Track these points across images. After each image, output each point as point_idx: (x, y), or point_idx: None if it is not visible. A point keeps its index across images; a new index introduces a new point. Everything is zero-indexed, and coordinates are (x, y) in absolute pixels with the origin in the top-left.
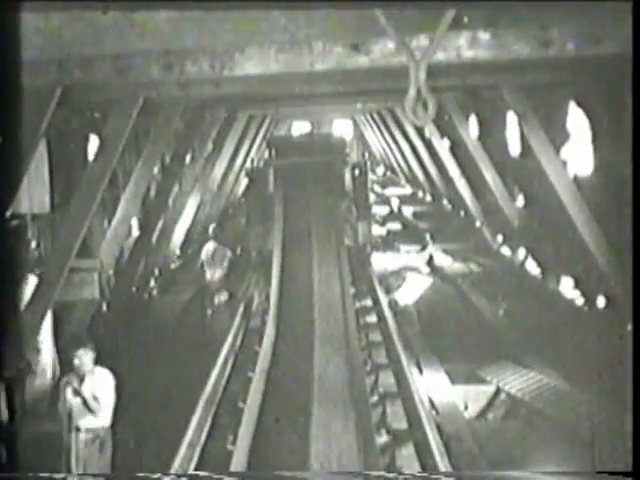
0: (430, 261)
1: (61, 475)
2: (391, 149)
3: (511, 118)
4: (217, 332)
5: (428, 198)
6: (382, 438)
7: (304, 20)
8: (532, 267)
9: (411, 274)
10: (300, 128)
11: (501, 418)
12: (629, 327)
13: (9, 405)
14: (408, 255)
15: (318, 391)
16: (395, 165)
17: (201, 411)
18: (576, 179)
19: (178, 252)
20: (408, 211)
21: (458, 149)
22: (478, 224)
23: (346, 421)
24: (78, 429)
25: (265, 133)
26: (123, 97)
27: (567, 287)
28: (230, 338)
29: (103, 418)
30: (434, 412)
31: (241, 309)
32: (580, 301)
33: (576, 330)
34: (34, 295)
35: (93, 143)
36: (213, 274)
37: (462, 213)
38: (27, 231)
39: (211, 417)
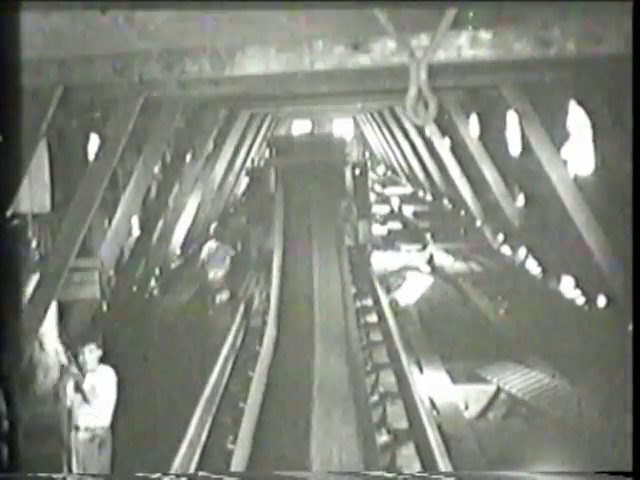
0: (431, 260)
1: (60, 475)
2: (391, 148)
3: (512, 117)
4: (218, 331)
5: (429, 197)
6: (382, 438)
7: (304, 20)
8: (533, 266)
9: (411, 273)
10: (301, 127)
11: (502, 418)
12: (629, 327)
13: (9, 405)
14: (409, 254)
15: (318, 390)
16: (395, 164)
17: (202, 411)
18: (576, 178)
19: (179, 251)
20: (409, 210)
21: (458, 148)
22: (479, 223)
23: (347, 421)
24: (77, 428)
25: (266, 132)
26: (123, 97)
27: (568, 286)
28: (231, 337)
29: (103, 417)
30: (434, 412)
31: (242, 309)
32: (581, 300)
33: (577, 329)
34: (35, 294)
35: (93, 143)
36: (214, 273)
37: (463, 212)
38: (27, 231)
39: (212, 417)
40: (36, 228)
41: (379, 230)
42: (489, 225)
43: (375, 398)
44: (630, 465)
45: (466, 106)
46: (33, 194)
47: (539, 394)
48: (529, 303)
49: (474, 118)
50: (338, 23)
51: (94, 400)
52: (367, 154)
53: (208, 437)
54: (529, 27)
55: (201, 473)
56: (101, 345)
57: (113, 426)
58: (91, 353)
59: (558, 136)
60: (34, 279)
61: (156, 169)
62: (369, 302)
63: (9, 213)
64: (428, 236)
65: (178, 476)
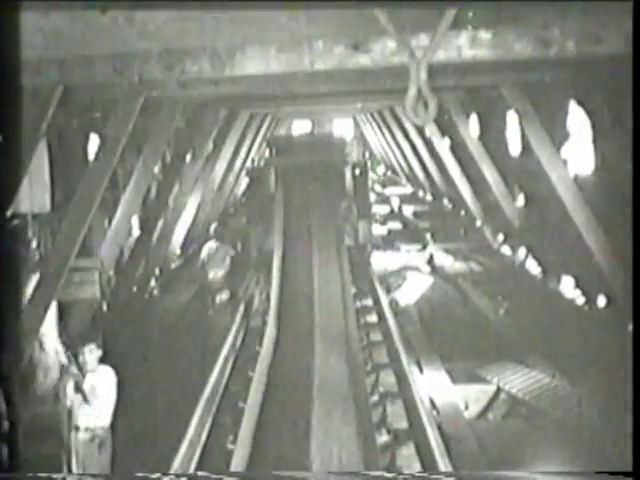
0: (431, 260)
1: (60, 475)
2: (391, 148)
3: (512, 117)
4: (218, 331)
5: (429, 197)
6: (382, 438)
7: (304, 19)
8: (533, 266)
9: (411, 273)
10: (301, 127)
11: (502, 418)
12: (629, 327)
13: (9, 405)
14: (408, 254)
15: (318, 390)
16: (395, 164)
17: (202, 411)
18: (576, 178)
19: (178, 252)
20: (408, 210)
21: (458, 148)
22: (479, 223)
23: (347, 421)
24: (77, 428)
25: (266, 132)
26: (123, 97)
27: (568, 286)
28: (231, 337)
29: (103, 417)
30: (435, 412)
31: (241, 309)
32: (580, 300)
33: (576, 329)
34: (35, 294)
35: (93, 143)
36: (214, 273)
37: (463, 212)
38: (27, 231)
39: (212, 417)
40: (36, 228)
41: (379, 230)
42: (489, 225)
43: (375, 398)
44: (630, 465)
45: (466, 106)
46: (33, 194)
47: (539, 394)
48: (529, 303)
49: (474, 118)
50: (338, 23)
51: (94, 400)
52: (367, 154)
53: (208, 437)
54: (529, 27)
55: (201, 473)
56: (101, 345)
57: (113, 426)
58: (91, 353)
59: (558, 136)
60: (34, 279)
61: (156, 169)
62: (369, 302)
63: (9, 213)
64: (428, 236)
65: (178, 476)
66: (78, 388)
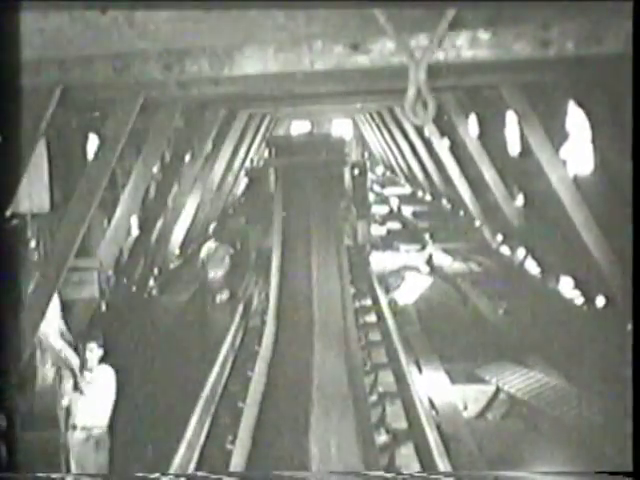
0: (430, 260)
1: (59, 475)
2: (390, 149)
3: (511, 117)
4: (217, 331)
5: (428, 197)
6: (381, 438)
7: (303, 19)
8: (532, 266)
9: (410, 273)
10: (300, 127)
11: (501, 418)
12: (629, 327)
13: (8, 405)
14: (407, 254)
15: (317, 390)
16: (394, 165)
17: (200, 411)
18: (576, 178)
19: (178, 251)
20: (407, 210)
21: (458, 148)
22: (478, 223)
23: (345, 420)
24: (75, 427)
25: (265, 132)
26: (123, 97)
27: (566, 287)
28: (230, 337)
29: (101, 417)
30: (433, 412)
31: (241, 308)
32: (579, 301)
33: (575, 329)
34: (34, 295)
35: (92, 142)
36: (214, 273)
37: (461, 212)
38: (26, 231)
39: (210, 417)
40: (35, 228)
41: (378, 230)
42: (488, 225)
43: (374, 398)
44: (630, 465)
45: (465, 106)
46: (32, 194)
47: (538, 394)
48: (528, 303)
49: (473, 118)
50: (337, 23)
51: (90, 393)
52: (366, 154)
53: (207, 437)
54: (528, 27)
55: (200, 473)
56: (101, 345)
57: (111, 426)
58: (91, 352)
59: (557, 136)
60: (33, 279)
61: (155, 169)
62: (368, 302)
63: (8, 213)
64: (427, 236)
65: (177, 476)
66: (76, 386)
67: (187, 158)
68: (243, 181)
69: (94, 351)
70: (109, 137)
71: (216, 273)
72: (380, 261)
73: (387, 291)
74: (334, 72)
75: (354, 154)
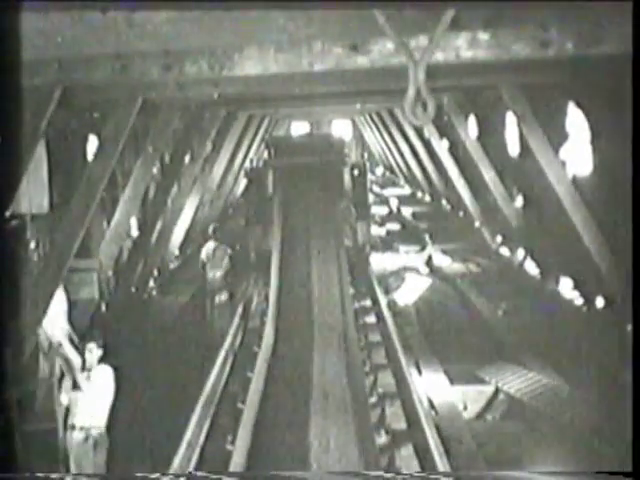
0: (429, 261)
1: (59, 475)
2: (390, 149)
3: (510, 118)
4: (217, 332)
5: (427, 198)
6: (381, 438)
7: (303, 20)
8: (531, 267)
9: (410, 274)
10: (299, 128)
11: (500, 418)
12: (629, 327)
13: (7, 406)
14: (407, 255)
15: (317, 391)
16: (394, 165)
17: (200, 411)
18: (575, 179)
19: (177, 252)
20: (407, 211)
21: (457, 149)
22: (477, 224)
23: (345, 421)
24: (73, 427)
25: (264, 133)
26: (122, 97)
27: (566, 287)
28: (229, 338)
29: (100, 417)
30: (433, 412)
31: (240, 309)
32: (579, 301)
33: (575, 330)
34: (33, 295)
35: (92, 143)
36: (213, 274)
37: (461, 213)
38: (26, 231)
39: (210, 417)
40: (34, 229)
41: (378, 231)
42: (488, 226)
43: (374, 399)
44: (630, 465)
45: (464, 107)
46: (32, 194)
47: (537, 395)
48: (528, 304)
49: (472, 119)
50: (337, 24)
51: (89, 393)
52: (366, 155)
53: (207, 438)
54: (528, 28)
55: (200, 473)
56: (100, 345)
57: (109, 426)
58: (91, 352)
59: (557, 137)
60: (33, 280)
61: (155, 170)
62: (368, 303)
63: (8, 213)
64: (427, 237)
65: (177, 476)
66: (76, 385)
67: (187, 159)
68: (242, 182)
69: (93, 351)
70: (109, 138)
71: (215, 274)
72: (380, 262)
73: (387, 292)
74: (334, 73)
75: (354, 155)
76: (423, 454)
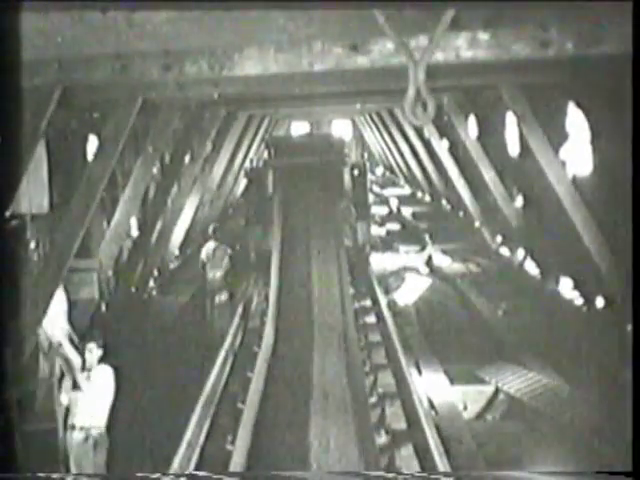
0: (429, 261)
1: (59, 475)
2: (390, 149)
3: (510, 118)
4: (217, 332)
5: (427, 198)
6: (381, 438)
7: (303, 20)
8: (531, 267)
9: (410, 274)
10: (299, 128)
11: (500, 418)
12: (628, 327)
13: (7, 406)
14: (407, 255)
15: (317, 391)
16: (394, 165)
17: (200, 411)
18: (575, 179)
19: (177, 252)
20: (407, 211)
21: (457, 149)
22: (477, 224)
23: (345, 421)
24: (73, 427)
25: (264, 133)
26: (122, 97)
27: (566, 287)
28: (229, 338)
29: (100, 417)
30: (433, 412)
31: (240, 310)
32: (579, 301)
33: (575, 330)
34: (33, 295)
35: (92, 143)
36: (213, 274)
37: (461, 213)
38: (26, 231)
39: (210, 417)
40: (34, 229)
41: (378, 231)
42: (488, 226)
43: (374, 399)
44: (630, 465)
45: (464, 107)
46: (31, 195)
47: (538, 395)
48: (528, 304)
49: (472, 119)
50: (337, 24)
51: (89, 393)
52: (366, 155)
53: (207, 438)
54: (528, 28)
55: (201, 473)
56: (100, 345)
57: (109, 426)
58: (91, 352)
59: (557, 137)
60: (33, 280)
61: (155, 170)
62: (368, 303)
63: (8, 213)
64: (427, 237)
65: (177, 476)
66: (76, 385)
67: (187, 159)
68: (242, 182)
69: (93, 351)
70: (109, 138)
71: (215, 274)
72: (380, 262)
73: (387, 292)
74: (334, 73)
75: (354, 155)
76: (423, 454)
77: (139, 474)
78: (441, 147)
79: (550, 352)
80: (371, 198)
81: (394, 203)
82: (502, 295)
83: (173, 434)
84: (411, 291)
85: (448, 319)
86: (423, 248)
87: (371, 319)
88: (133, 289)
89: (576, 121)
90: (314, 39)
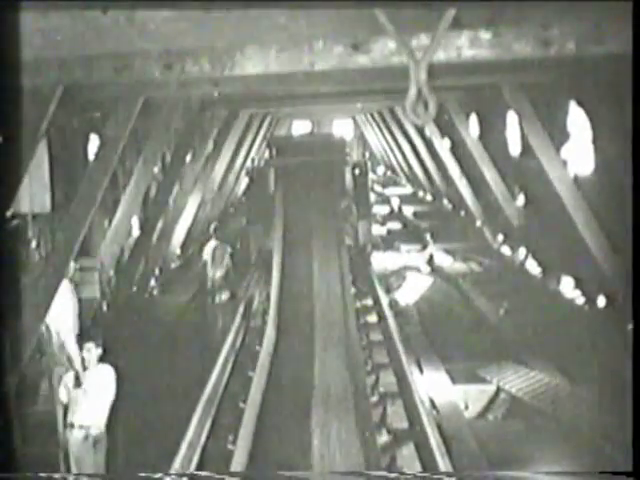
0: (430, 260)
1: (60, 475)
2: (391, 149)
3: (511, 117)
4: (218, 331)
5: (428, 197)
6: (383, 438)
7: (304, 19)
8: (532, 266)
9: (411, 273)
10: (300, 128)
11: (502, 418)
12: (629, 326)
13: (7, 405)
14: (408, 254)
15: (319, 390)
16: (395, 165)
17: (202, 411)
18: (576, 178)
19: (178, 252)
20: (408, 210)
21: (458, 148)
22: (478, 223)
23: (347, 421)
24: (72, 425)
25: (265, 133)
26: (123, 97)
27: (567, 287)
28: (231, 337)
29: (100, 416)
30: (434, 412)
31: (241, 309)
32: (580, 301)
33: (576, 329)
34: (34, 295)
35: (93, 143)
36: (214, 273)
37: (462, 212)
38: (27, 231)
39: (212, 417)
40: (36, 228)
41: (379, 230)
42: (489, 225)
43: (375, 398)
44: (630, 465)
45: (466, 106)
46: (33, 194)
47: (539, 394)
48: (529, 303)
49: (474, 118)
50: (338, 23)
51: (89, 392)
52: (367, 154)
53: (208, 437)
54: (529, 27)
55: (203, 473)
56: (101, 344)
57: (109, 425)
58: (90, 352)
59: (558, 136)
60: (34, 279)
61: (156, 169)
62: (369, 302)
63: (9, 213)
64: (428, 236)
65: (179, 476)
66: (77, 383)
67: (188, 158)
68: (244, 181)
69: (94, 350)
70: (110, 137)
71: (216, 273)
72: (381, 261)
73: (388, 291)
74: (335, 72)
75: (355, 154)
76: (424, 453)
77: (141, 474)
78: (442, 146)
79: (552, 351)
80: (372, 197)
81: (395, 202)
82: (503, 294)
83: (174, 433)
84: (412, 290)
85: (449, 318)
86: (424, 247)
87: (372, 318)
88: (134, 288)
89: (577, 120)
90: (315, 38)
